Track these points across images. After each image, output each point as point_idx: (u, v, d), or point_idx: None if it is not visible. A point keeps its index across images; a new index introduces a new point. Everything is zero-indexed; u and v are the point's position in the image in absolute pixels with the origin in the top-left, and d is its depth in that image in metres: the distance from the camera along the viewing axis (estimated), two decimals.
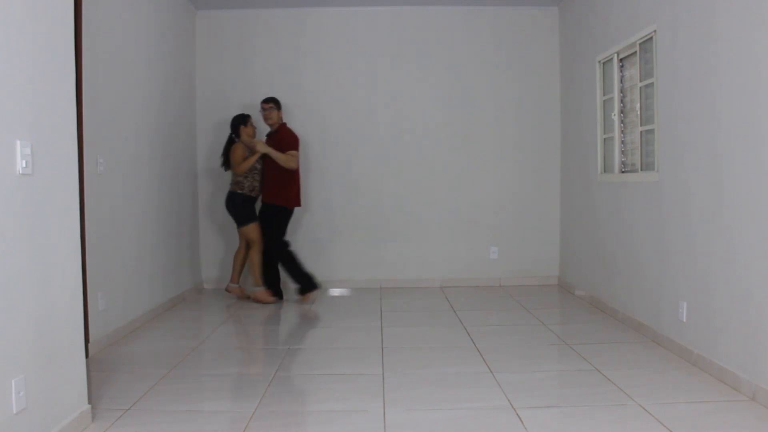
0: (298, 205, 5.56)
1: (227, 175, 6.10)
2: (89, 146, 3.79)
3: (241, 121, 5.42)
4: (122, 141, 4.35)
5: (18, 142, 2.23)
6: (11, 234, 2.20)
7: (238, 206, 5.37)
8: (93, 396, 3.00)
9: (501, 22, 6.15)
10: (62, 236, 2.55)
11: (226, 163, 5.48)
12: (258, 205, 5.54)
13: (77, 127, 2.68)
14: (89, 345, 3.72)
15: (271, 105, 5.48)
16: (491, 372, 3.40)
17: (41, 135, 2.38)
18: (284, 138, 5.42)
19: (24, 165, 2.25)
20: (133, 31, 4.57)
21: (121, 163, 4.31)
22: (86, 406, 2.68)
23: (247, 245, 5.48)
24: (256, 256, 5.39)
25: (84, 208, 3.68)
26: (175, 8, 5.51)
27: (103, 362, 3.65)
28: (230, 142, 5.47)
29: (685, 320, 3.60)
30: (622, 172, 4.71)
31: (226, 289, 5.64)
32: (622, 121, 4.73)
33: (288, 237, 5.58)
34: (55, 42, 2.51)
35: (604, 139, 5.03)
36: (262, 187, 5.45)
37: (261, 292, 5.39)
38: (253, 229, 5.38)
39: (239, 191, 5.36)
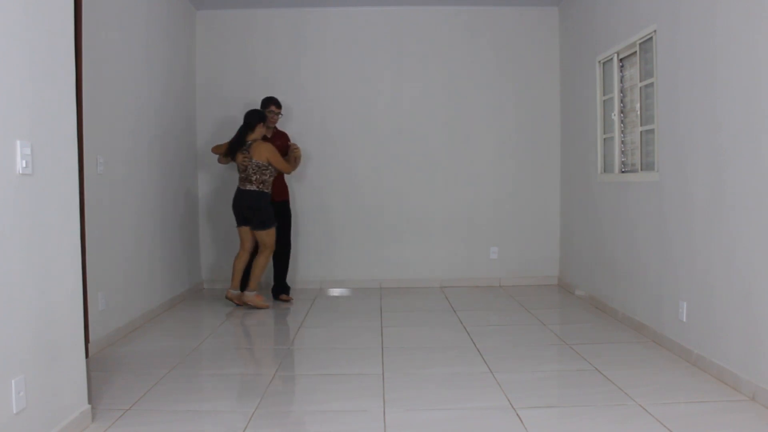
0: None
1: (228, 174, 6.12)
2: (89, 146, 3.79)
3: (262, 118, 5.16)
4: (122, 141, 4.35)
5: (18, 142, 2.23)
6: (11, 234, 2.20)
7: (266, 208, 5.10)
8: (93, 396, 3.00)
9: (501, 22, 6.15)
10: (62, 236, 2.55)
11: (233, 153, 5.11)
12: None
13: (77, 127, 2.68)
14: (89, 345, 3.72)
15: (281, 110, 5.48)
16: (491, 372, 3.40)
17: (41, 135, 2.38)
18: (286, 142, 5.51)
19: (24, 165, 2.25)
20: (133, 31, 4.57)
21: (121, 163, 4.31)
22: (86, 406, 2.68)
23: (255, 249, 5.25)
24: (265, 261, 5.16)
25: (84, 208, 3.67)
26: (175, 8, 5.51)
27: (103, 362, 3.65)
28: (244, 136, 5.09)
29: (685, 320, 3.60)
30: (622, 172, 4.71)
31: (228, 297, 5.22)
32: (622, 121, 4.73)
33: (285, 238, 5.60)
34: (55, 42, 2.51)
35: (604, 139, 5.03)
36: (275, 187, 5.32)
37: (257, 296, 5.19)
38: (274, 233, 5.17)
39: (267, 191, 5.11)
